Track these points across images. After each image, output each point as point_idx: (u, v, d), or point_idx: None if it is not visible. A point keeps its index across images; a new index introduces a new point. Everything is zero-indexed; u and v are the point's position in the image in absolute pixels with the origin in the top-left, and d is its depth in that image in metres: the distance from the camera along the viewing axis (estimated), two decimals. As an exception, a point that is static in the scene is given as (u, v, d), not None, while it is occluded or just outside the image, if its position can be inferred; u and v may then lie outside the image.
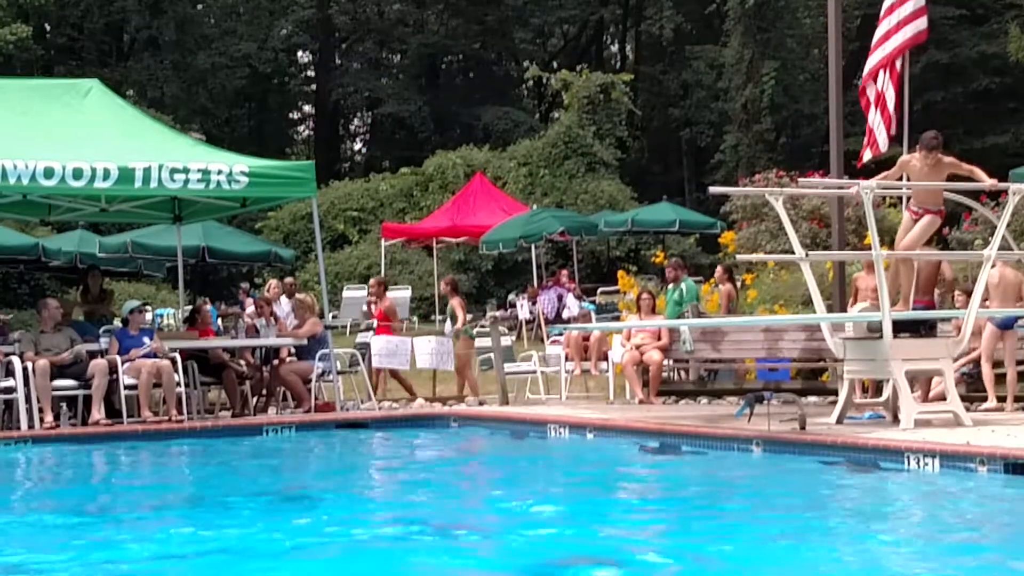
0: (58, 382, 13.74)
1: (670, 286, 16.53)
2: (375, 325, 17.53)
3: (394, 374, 17.19)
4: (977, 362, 13.95)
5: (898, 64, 14.02)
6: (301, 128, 60.37)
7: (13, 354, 13.71)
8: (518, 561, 7.25)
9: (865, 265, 14.67)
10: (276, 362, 15.76)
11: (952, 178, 12.64)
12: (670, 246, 33.38)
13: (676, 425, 12.73)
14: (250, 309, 19.58)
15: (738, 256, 17.97)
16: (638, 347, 15.50)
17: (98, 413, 13.70)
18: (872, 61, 14.17)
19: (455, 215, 30.70)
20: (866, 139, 14.39)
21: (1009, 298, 13.34)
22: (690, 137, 48.22)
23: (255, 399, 15.66)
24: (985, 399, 13.61)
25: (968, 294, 12.87)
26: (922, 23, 14.03)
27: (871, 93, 14.08)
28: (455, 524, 8.64)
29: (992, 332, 13.37)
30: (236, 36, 48.49)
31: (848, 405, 12.37)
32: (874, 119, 14.07)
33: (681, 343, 15.55)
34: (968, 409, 12.30)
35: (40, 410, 13.48)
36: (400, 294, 29.39)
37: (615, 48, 59.19)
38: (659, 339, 15.57)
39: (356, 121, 60.13)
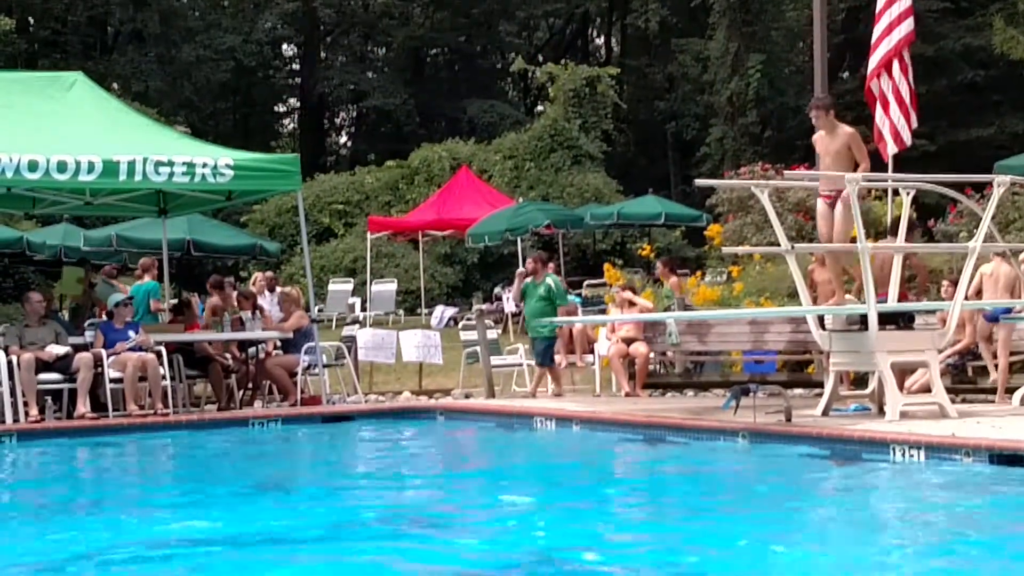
0: (43, 376, 13.70)
1: (535, 281, 16.18)
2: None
3: None
4: (962, 354, 14.01)
5: (907, 57, 13.99)
6: (286, 121, 60.29)
7: (-2, 348, 13.68)
8: (504, 554, 7.25)
9: (816, 259, 14.69)
10: (263, 355, 15.74)
11: (847, 151, 12.12)
12: (656, 239, 33.42)
13: (662, 418, 12.73)
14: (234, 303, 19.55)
15: (724, 248, 17.97)
16: (624, 340, 15.51)
17: (83, 407, 13.66)
18: (874, 60, 14.11)
19: (441, 208, 30.66)
20: (884, 133, 14.19)
21: (999, 291, 13.41)
22: (676, 130, 48.25)
23: (241, 392, 15.63)
24: (971, 391, 13.69)
25: (956, 285, 12.90)
26: (909, 24, 14.02)
27: (876, 90, 14.02)
28: (440, 517, 8.64)
29: (984, 325, 13.42)
30: (220, 29, 48.37)
31: (834, 397, 12.39)
32: (893, 114, 13.96)
33: (667, 336, 15.58)
34: (953, 401, 12.34)
35: (25, 404, 13.43)
36: (386, 287, 29.41)
37: (600, 41, 59.22)
38: (644, 331, 15.58)
39: (341, 114, 60.06)
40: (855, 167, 12.10)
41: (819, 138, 12.40)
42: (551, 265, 16.98)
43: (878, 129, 13.97)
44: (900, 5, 13.95)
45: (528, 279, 16.03)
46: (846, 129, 12.20)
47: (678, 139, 48.91)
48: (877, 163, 13.84)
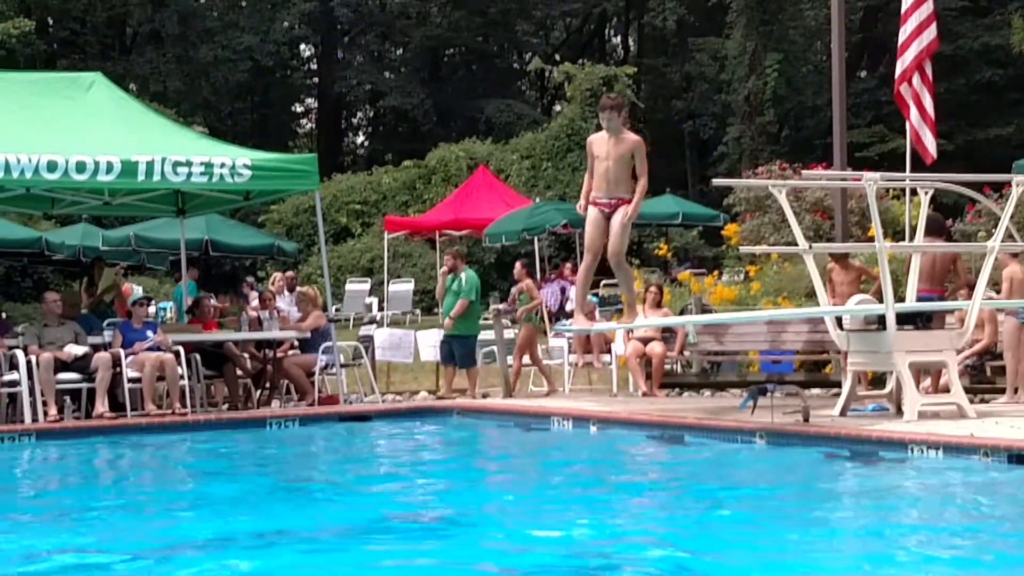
0: (62, 375, 13.76)
1: (449, 275, 16.12)
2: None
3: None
4: (980, 354, 13.96)
5: (928, 69, 13.92)
6: (304, 121, 60.35)
7: (17, 347, 13.73)
8: (520, 554, 7.26)
9: (834, 259, 14.64)
10: (280, 355, 15.77)
11: (631, 158, 11.38)
12: (673, 238, 33.36)
13: (679, 418, 12.73)
14: (255, 302, 19.61)
15: (741, 248, 17.96)
16: (641, 339, 15.51)
17: (102, 406, 13.72)
18: (903, 63, 14.02)
19: (458, 208, 30.66)
20: (923, 135, 14.10)
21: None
22: (693, 130, 48.18)
23: (258, 392, 15.67)
24: (991, 391, 13.64)
25: (971, 287, 12.87)
26: (932, 30, 13.96)
27: (907, 93, 13.92)
28: (456, 517, 8.65)
29: (1016, 326, 13.31)
30: (238, 29, 48.47)
31: (852, 397, 12.38)
32: (918, 119, 13.89)
33: (686, 336, 15.58)
34: (972, 401, 12.31)
35: (44, 403, 13.49)
36: (403, 287, 29.45)
37: (617, 40, 59.16)
38: (663, 331, 15.57)
39: (359, 114, 60.11)
40: (634, 176, 11.41)
41: (599, 140, 11.45)
42: (567, 266, 16.95)
43: (915, 130, 13.84)
44: (927, 8, 13.88)
45: (449, 275, 16.04)
46: (633, 136, 11.55)
47: (695, 138, 48.83)
48: (918, 164, 13.83)
